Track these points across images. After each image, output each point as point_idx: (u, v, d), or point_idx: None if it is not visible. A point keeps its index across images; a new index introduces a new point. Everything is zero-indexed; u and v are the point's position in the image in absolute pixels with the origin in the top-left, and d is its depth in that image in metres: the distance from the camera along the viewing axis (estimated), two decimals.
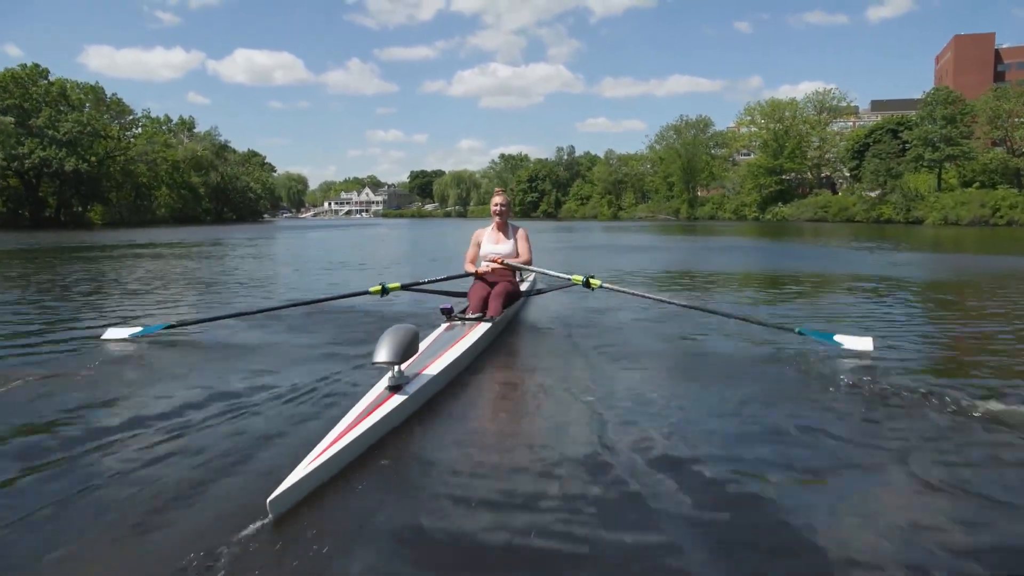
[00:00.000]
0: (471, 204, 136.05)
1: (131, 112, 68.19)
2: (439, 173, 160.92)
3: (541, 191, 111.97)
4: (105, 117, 62.68)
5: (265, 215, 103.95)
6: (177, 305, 8.34)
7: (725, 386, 4.32)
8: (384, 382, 3.67)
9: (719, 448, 3.21)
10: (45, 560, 2.21)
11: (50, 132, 53.79)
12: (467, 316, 5.68)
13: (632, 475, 2.84)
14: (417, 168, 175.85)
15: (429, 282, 6.54)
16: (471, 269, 6.39)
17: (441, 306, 5.67)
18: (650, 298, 6.58)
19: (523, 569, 2.19)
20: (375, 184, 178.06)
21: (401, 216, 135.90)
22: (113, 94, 65.13)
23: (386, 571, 2.16)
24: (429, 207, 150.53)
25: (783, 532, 2.41)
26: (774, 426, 3.52)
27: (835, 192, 74.29)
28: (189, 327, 6.26)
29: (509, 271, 6.33)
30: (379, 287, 6.02)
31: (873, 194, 61.49)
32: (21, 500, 2.64)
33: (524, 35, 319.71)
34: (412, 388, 3.69)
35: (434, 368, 4.11)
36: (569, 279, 6.15)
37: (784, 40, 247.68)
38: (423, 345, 4.52)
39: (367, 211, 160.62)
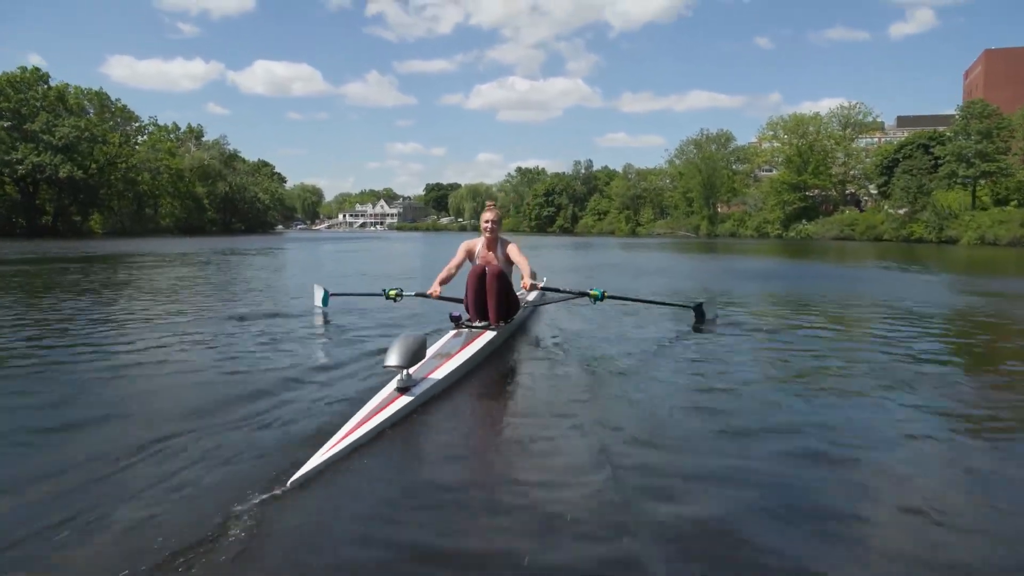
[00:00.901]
0: None
1: (137, 119, 66.54)
2: (455, 186, 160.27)
3: (557, 205, 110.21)
4: (109, 124, 60.75)
5: (279, 226, 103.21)
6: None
7: (724, 390, 4.68)
8: (393, 384, 4.06)
9: (715, 462, 3.26)
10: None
11: (46, 137, 51.77)
12: (474, 324, 5.84)
13: (616, 474, 3.01)
14: (435, 181, 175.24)
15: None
16: (441, 278, 6.20)
17: (451, 313, 5.89)
18: (652, 302, 7.34)
19: (505, 547, 2.42)
20: (390, 196, 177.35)
21: (415, 229, 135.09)
22: (117, 100, 63.53)
23: (385, 541, 2.47)
24: (444, 220, 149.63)
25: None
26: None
27: (860, 210, 72.10)
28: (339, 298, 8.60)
29: (504, 277, 6.05)
30: (395, 291, 6.84)
31: (901, 212, 59.37)
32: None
33: (543, 49, 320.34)
34: (419, 390, 4.06)
35: (440, 372, 4.46)
36: (587, 293, 6.60)
37: (805, 56, 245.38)
38: (432, 350, 4.92)
39: (382, 223, 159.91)
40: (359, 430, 3.35)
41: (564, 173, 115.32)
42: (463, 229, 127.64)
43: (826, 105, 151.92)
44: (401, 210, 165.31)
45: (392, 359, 3.94)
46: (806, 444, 3.51)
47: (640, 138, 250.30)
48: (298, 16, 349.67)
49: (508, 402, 4.58)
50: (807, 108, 75.15)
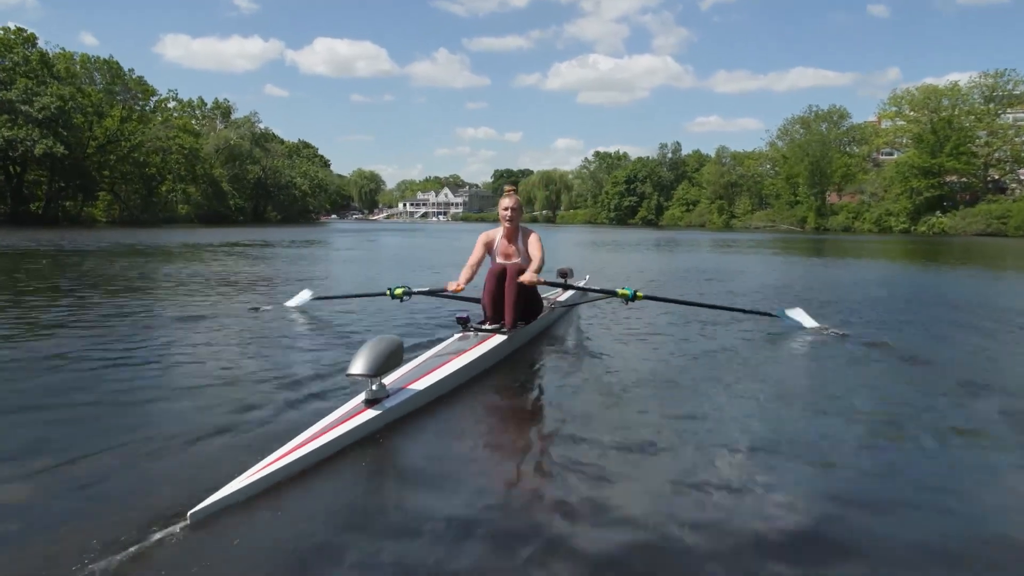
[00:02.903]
0: (561, 208, 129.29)
1: (155, 92, 61.81)
2: (527, 172, 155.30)
3: (640, 194, 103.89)
4: (118, 97, 55.71)
5: (332, 215, 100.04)
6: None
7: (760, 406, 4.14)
8: (360, 396, 3.66)
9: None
10: None
11: (24, 108, 45.22)
12: (484, 327, 5.51)
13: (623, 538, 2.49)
14: (506, 168, 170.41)
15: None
16: (465, 276, 5.80)
17: (458, 314, 5.51)
18: (688, 303, 6.46)
19: None
20: (456, 184, 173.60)
21: (482, 219, 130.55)
22: (130, 69, 58.70)
23: None
24: None
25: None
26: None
27: (1012, 200, 63.04)
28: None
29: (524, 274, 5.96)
30: (401, 289, 6.31)
31: None
32: None
33: (627, 23, 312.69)
34: (391, 403, 3.64)
35: (424, 382, 4.04)
36: (615, 292, 6.15)
37: (928, 26, 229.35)
38: (425, 355, 4.63)
39: (445, 214, 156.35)
40: (297, 452, 2.94)
41: (648, 158, 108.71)
42: (534, 220, 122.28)
43: (954, 81, 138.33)
44: (467, 199, 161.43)
45: (357, 367, 3.51)
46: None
47: (734, 122, 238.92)
48: None
49: (503, 420, 4.12)
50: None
